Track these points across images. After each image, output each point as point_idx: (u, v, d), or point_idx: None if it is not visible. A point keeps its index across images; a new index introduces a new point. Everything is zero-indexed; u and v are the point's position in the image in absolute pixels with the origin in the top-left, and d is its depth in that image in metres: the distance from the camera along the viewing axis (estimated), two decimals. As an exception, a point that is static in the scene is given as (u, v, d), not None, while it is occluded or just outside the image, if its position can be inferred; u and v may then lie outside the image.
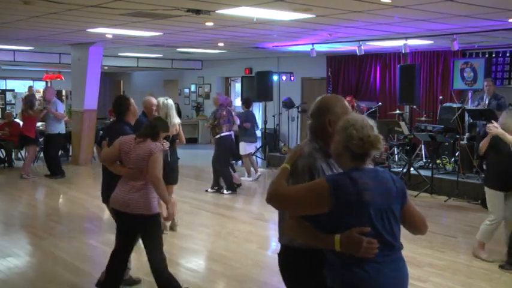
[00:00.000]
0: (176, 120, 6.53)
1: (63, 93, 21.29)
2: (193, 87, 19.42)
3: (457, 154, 9.88)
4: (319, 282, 2.56)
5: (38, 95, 16.41)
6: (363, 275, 2.39)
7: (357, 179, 2.42)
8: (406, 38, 10.02)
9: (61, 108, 11.29)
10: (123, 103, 5.01)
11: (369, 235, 2.38)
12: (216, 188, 9.73)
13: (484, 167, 8.25)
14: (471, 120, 10.25)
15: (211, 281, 5.46)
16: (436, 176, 9.69)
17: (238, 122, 10.57)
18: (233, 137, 9.92)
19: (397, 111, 11.52)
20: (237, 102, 16.91)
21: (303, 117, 14.29)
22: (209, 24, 8.53)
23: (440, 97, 11.55)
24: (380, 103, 12.68)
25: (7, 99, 20.42)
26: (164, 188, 4.35)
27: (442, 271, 5.60)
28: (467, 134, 10.26)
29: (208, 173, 10.03)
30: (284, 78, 14.96)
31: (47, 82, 21.15)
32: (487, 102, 9.81)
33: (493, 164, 5.88)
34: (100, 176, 5.30)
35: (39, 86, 21.24)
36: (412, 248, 5.97)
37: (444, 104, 11.15)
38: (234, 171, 10.06)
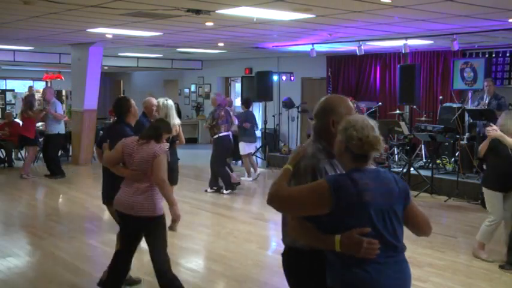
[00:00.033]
0: (176, 121, 6.53)
1: (63, 93, 21.30)
2: (193, 87, 19.43)
3: (457, 154, 9.88)
4: (321, 283, 2.56)
5: (38, 95, 16.41)
6: (364, 276, 2.38)
7: (357, 179, 2.41)
8: (406, 38, 10.02)
9: (60, 108, 11.28)
10: (124, 104, 5.00)
11: (369, 236, 2.37)
12: (215, 188, 9.73)
13: (484, 167, 8.25)
14: (471, 120, 10.25)
15: (211, 281, 5.46)
16: (436, 176, 9.69)
17: (236, 122, 10.57)
18: (231, 137, 9.93)
19: (397, 111, 11.52)
20: (237, 102, 16.91)
21: (303, 117, 14.30)
22: (209, 24, 8.53)
23: (440, 97, 11.55)
24: (380, 103, 12.68)
25: (7, 99, 20.43)
26: (170, 189, 4.35)
27: (442, 271, 5.60)
28: (467, 134, 10.26)
29: (208, 173, 10.03)
30: (284, 78, 14.96)
31: (47, 82, 21.15)
32: (487, 101, 9.80)
33: (492, 166, 5.89)
34: (100, 176, 5.30)
35: (39, 86, 21.22)
36: (412, 248, 5.95)
37: (444, 104, 11.15)
38: (232, 170, 10.06)
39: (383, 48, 12.36)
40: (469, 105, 10.78)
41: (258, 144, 13.42)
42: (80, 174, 12.10)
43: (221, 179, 9.69)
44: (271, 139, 13.93)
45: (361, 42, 10.65)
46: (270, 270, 5.71)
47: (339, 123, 2.59)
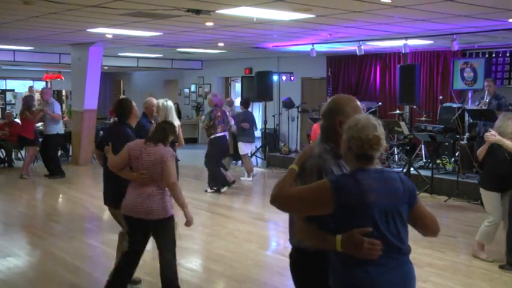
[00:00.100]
0: (176, 122, 6.52)
1: (63, 93, 21.30)
2: (193, 87, 19.42)
3: (457, 154, 9.88)
4: (327, 283, 2.55)
5: (38, 96, 16.42)
6: (364, 276, 2.37)
7: (360, 179, 2.39)
8: (406, 38, 10.02)
9: (58, 109, 11.24)
10: (126, 106, 4.98)
11: (372, 237, 2.35)
12: (215, 188, 9.73)
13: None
14: (471, 120, 10.25)
15: (211, 281, 5.46)
16: (436, 176, 9.70)
17: (233, 122, 10.56)
18: (228, 137, 9.94)
19: (397, 111, 11.52)
20: (238, 102, 16.90)
21: (303, 117, 14.30)
22: (209, 24, 8.53)
23: (440, 97, 11.54)
24: (380, 103, 12.68)
25: (7, 99, 20.42)
26: (181, 192, 4.38)
27: (442, 271, 5.61)
28: (467, 134, 10.25)
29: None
30: (284, 78, 14.96)
31: (47, 82, 21.15)
32: (487, 100, 9.80)
33: (488, 167, 5.94)
34: (100, 176, 5.29)
35: (39, 86, 21.20)
36: (412, 248, 5.95)
37: (444, 104, 11.15)
38: (226, 169, 10.05)
39: (383, 48, 12.36)
40: (469, 105, 10.78)
41: (258, 144, 13.43)
42: (80, 174, 12.10)
43: (215, 178, 9.67)
44: (271, 139, 13.93)
45: (361, 42, 10.65)
46: (270, 270, 5.72)
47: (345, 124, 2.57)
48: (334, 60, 14.52)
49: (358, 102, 2.78)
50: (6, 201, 9.12)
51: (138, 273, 5.14)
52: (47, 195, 9.99)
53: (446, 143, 10.36)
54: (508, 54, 11.28)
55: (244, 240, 6.80)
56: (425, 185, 9.44)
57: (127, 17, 7.95)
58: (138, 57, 17.18)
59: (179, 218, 7.14)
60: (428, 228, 2.59)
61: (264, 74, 13.34)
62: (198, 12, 7.28)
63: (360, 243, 2.34)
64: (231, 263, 5.83)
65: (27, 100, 11.49)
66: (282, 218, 7.59)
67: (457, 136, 9.94)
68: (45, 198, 9.89)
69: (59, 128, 11.22)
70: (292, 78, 15.08)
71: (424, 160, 10.93)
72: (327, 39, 10.57)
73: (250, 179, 11.14)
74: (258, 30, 9.41)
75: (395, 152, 11.44)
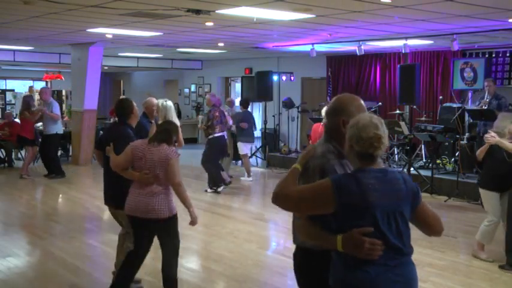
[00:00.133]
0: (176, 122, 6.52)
1: (63, 93, 21.29)
2: (193, 87, 19.42)
3: (457, 154, 9.87)
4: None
5: (38, 95, 16.43)
6: (364, 277, 2.36)
7: (361, 179, 2.38)
8: (406, 38, 10.02)
9: (57, 109, 11.21)
10: (127, 106, 4.96)
11: (373, 237, 2.33)
12: (215, 188, 9.73)
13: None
14: (471, 120, 10.25)
15: (211, 281, 5.46)
16: (436, 176, 9.70)
17: (230, 122, 10.56)
18: (226, 137, 9.94)
19: (397, 111, 11.52)
20: (238, 102, 16.90)
21: (303, 117, 14.30)
22: (209, 24, 8.53)
23: (440, 97, 11.55)
24: (380, 103, 12.68)
25: (7, 99, 20.43)
26: (186, 191, 4.40)
27: (442, 271, 5.61)
28: (467, 134, 10.25)
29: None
30: (284, 78, 14.96)
31: (47, 82, 21.15)
32: (488, 100, 9.80)
33: (487, 167, 5.97)
34: (100, 176, 5.29)
35: (39, 86, 21.20)
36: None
37: (444, 104, 11.15)
38: (222, 170, 10.05)
39: (383, 48, 12.36)
40: (469, 105, 10.77)
41: (258, 144, 13.44)
42: (80, 174, 12.10)
43: (212, 178, 9.66)
44: (271, 139, 13.93)
45: (361, 42, 10.65)
46: (270, 270, 5.72)
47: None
48: (334, 60, 14.52)
49: (362, 101, 2.76)
50: (6, 201, 9.12)
51: (138, 273, 5.15)
52: (47, 195, 9.99)
53: (446, 143, 10.36)
54: (508, 54, 11.27)
55: (244, 240, 6.80)
56: (425, 185, 9.44)
57: (127, 17, 7.95)
58: (138, 57, 17.18)
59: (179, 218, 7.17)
60: (432, 228, 2.58)
61: (264, 74, 13.34)
62: (198, 12, 7.28)
63: (360, 243, 2.33)
64: (231, 263, 5.83)
65: (27, 100, 11.49)
66: (282, 218, 7.64)
67: (457, 136, 9.94)
68: (45, 198, 9.90)
69: (58, 128, 11.22)
70: (292, 78, 15.08)
71: (424, 160, 10.93)
72: (327, 39, 10.57)
73: (250, 179, 11.14)
74: (258, 30, 9.41)
75: (395, 152, 11.44)
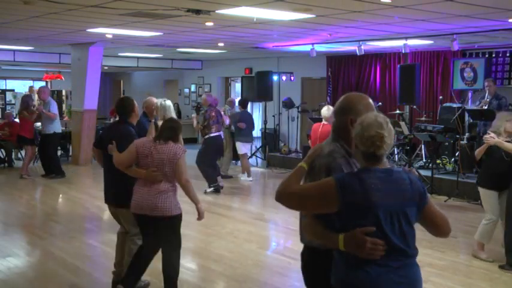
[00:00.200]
0: None
1: (63, 93, 21.29)
2: (193, 87, 19.42)
3: (457, 154, 9.88)
4: None
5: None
6: (364, 277, 2.35)
7: (365, 179, 2.37)
8: (406, 38, 10.01)
9: (54, 108, 11.17)
10: (128, 104, 4.95)
11: (375, 237, 2.32)
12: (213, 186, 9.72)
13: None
14: (471, 120, 10.25)
15: (211, 281, 5.46)
16: (436, 176, 9.70)
17: (227, 122, 10.56)
18: (223, 137, 9.94)
19: (397, 111, 11.52)
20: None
21: (303, 117, 14.30)
22: (209, 24, 8.53)
23: (440, 97, 11.55)
24: (380, 103, 12.67)
25: (7, 99, 20.42)
26: (193, 189, 4.47)
27: (442, 271, 5.61)
28: (467, 134, 10.26)
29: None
30: (284, 78, 14.96)
31: (47, 82, 21.14)
32: (488, 100, 9.80)
33: (486, 166, 5.99)
34: (100, 176, 5.28)
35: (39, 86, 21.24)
36: (412, 248, 5.97)
37: (444, 104, 11.15)
38: (219, 174, 10.02)
39: (383, 48, 12.36)
40: (469, 105, 10.77)
41: (258, 144, 13.43)
42: (80, 174, 12.10)
43: (205, 178, 9.66)
44: (271, 139, 13.93)
45: (361, 42, 10.65)
46: (270, 270, 5.72)
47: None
48: (334, 60, 14.52)
49: (371, 100, 2.74)
50: (6, 201, 9.12)
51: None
52: (47, 195, 9.99)
53: (446, 143, 10.36)
54: (508, 54, 11.27)
55: (244, 240, 6.80)
56: (425, 185, 9.41)
57: (127, 17, 7.95)
58: (138, 57, 17.17)
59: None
60: (440, 229, 2.56)
61: (264, 74, 13.34)
62: (198, 12, 7.27)
63: (362, 243, 2.31)
64: (231, 263, 5.83)
65: (26, 100, 11.49)
66: (282, 218, 7.65)
67: (457, 136, 9.94)
68: (45, 198, 9.89)
69: (56, 127, 11.19)
70: (292, 78, 15.08)
71: (424, 160, 10.93)
72: (327, 39, 10.57)
73: (250, 179, 11.14)
74: (258, 30, 9.41)
75: (395, 152, 11.43)
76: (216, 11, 7.30)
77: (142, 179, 4.36)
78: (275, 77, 14.09)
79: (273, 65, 15.27)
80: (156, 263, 4.62)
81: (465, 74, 11.40)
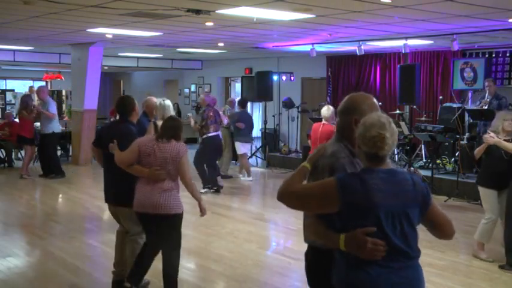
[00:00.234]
0: None
1: (63, 93, 21.29)
2: (193, 87, 19.42)
3: (457, 154, 9.88)
4: None
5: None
6: (365, 277, 2.34)
7: (366, 179, 2.35)
8: (406, 38, 10.02)
9: (53, 108, 11.15)
10: (129, 103, 4.95)
11: (376, 238, 2.31)
12: (215, 188, 9.72)
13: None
14: (471, 120, 10.26)
15: (211, 281, 5.46)
16: (436, 176, 9.70)
17: (225, 122, 10.56)
18: (221, 137, 9.95)
19: (397, 111, 11.52)
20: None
21: (303, 117, 14.30)
22: (209, 24, 8.53)
23: (440, 97, 11.55)
24: (380, 103, 12.54)
25: (7, 99, 20.43)
26: (196, 186, 4.54)
27: (442, 271, 5.61)
28: (467, 134, 10.26)
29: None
30: (284, 78, 14.96)
31: (47, 82, 21.15)
32: (488, 100, 9.80)
33: (485, 165, 6.01)
34: (100, 176, 5.28)
35: (39, 86, 21.24)
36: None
37: (444, 104, 11.16)
38: (219, 174, 10.01)
39: (383, 48, 12.36)
40: (469, 105, 10.77)
41: (258, 144, 13.43)
42: (80, 174, 12.10)
43: (200, 178, 9.65)
44: (271, 139, 13.93)
45: (361, 42, 10.65)
46: (270, 270, 5.72)
47: None
48: (334, 60, 14.52)
49: (375, 100, 2.73)
50: (6, 201, 9.12)
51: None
52: (47, 195, 9.99)
53: (446, 143, 10.36)
54: (508, 54, 11.27)
55: (244, 240, 6.80)
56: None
57: (127, 17, 7.95)
58: (138, 57, 17.17)
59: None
60: (443, 231, 2.55)
61: (264, 74, 13.34)
62: (198, 12, 7.28)
63: (363, 243, 2.31)
64: (231, 263, 5.83)
65: (25, 99, 11.48)
66: (282, 218, 7.65)
67: (457, 136, 9.95)
68: (45, 198, 9.89)
69: (55, 127, 11.18)
70: (292, 78, 15.08)
71: (424, 160, 10.94)
72: (327, 39, 10.57)
73: (250, 179, 11.14)
74: (258, 30, 9.41)
75: (395, 152, 11.42)
76: (216, 11, 7.31)
77: (145, 178, 4.36)
78: (275, 77, 14.09)
79: (273, 65, 15.27)
80: (156, 263, 4.62)
81: (465, 74, 11.40)
